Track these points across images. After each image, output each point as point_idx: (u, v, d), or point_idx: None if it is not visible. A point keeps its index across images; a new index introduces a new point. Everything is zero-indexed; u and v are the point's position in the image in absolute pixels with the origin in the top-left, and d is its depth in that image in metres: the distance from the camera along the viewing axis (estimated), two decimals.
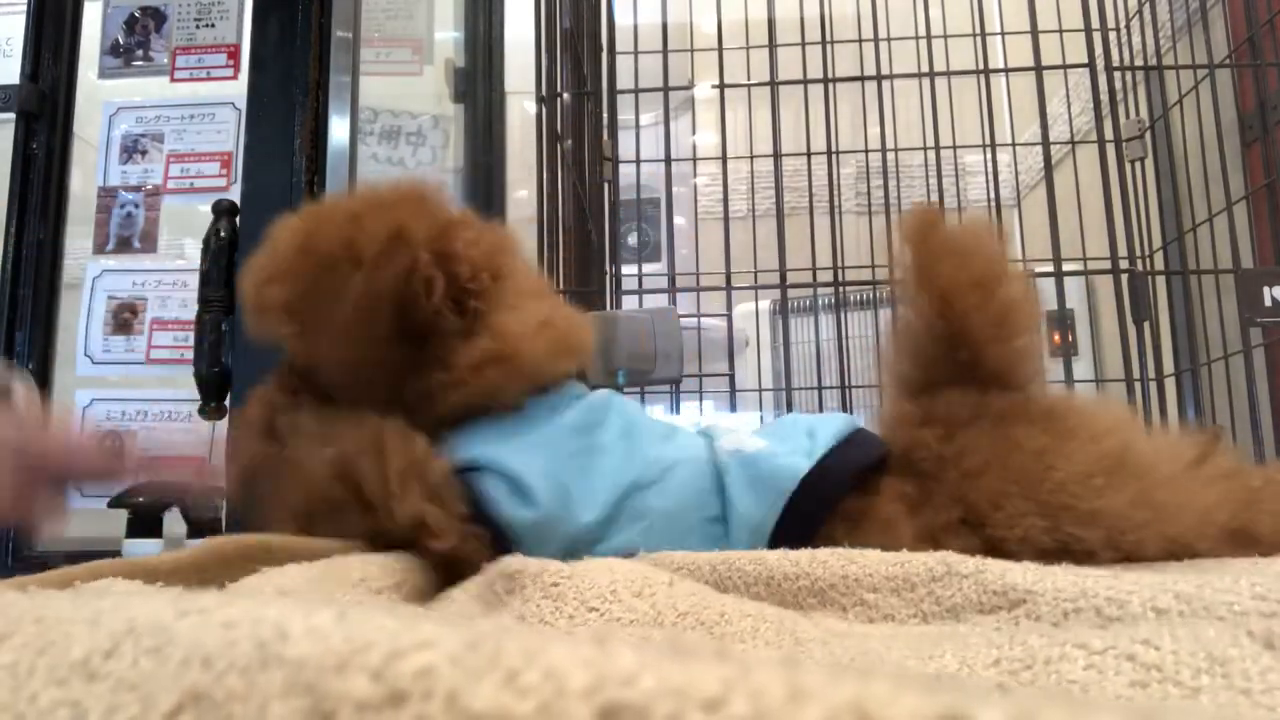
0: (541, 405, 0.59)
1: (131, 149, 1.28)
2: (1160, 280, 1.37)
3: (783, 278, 1.39)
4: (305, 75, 1.16)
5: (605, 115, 1.57)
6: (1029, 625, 0.36)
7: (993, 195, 1.46)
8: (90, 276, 1.27)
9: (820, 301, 1.68)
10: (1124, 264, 1.25)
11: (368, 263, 0.54)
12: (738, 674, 0.14)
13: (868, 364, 1.59)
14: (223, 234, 1.14)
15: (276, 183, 1.14)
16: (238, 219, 1.16)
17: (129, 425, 1.25)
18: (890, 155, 1.52)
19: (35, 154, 1.27)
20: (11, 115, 1.27)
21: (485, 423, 0.58)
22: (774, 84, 1.45)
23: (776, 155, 1.43)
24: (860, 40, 1.57)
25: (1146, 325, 1.21)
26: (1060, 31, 1.50)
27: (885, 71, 1.45)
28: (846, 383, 1.44)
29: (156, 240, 1.27)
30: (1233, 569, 0.46)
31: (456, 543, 0.52)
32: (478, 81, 1.71)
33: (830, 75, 1.46)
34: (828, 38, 1.51)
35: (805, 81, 1.52)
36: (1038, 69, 1.26)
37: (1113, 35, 1.31)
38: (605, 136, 1.52)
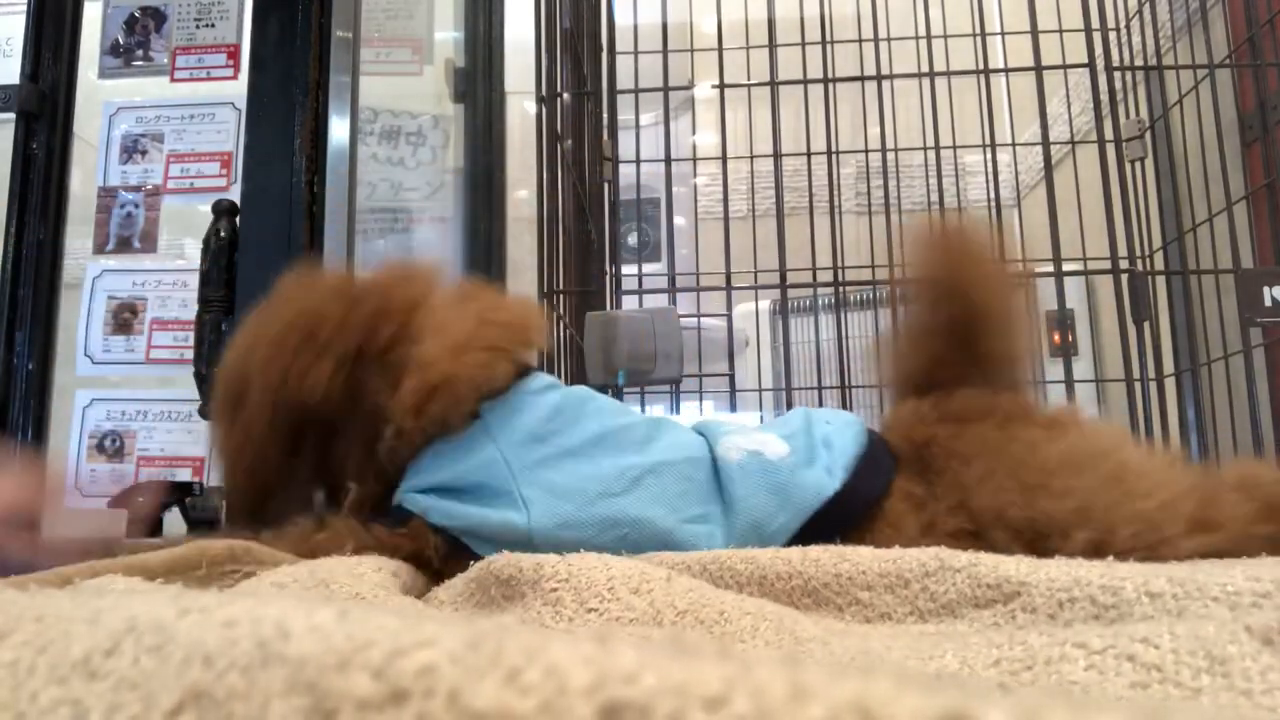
0: (497, 412, 0.58)
1: (131, 149, 1.28)
2: (1160, 280, 1.37)
3: (783, 278, 1.39)
4: (305, 75, 1.16)
5: (605, 115, 1.57)
6: (1026, 618, 0.36)
7: (993, 195, 1.46)
8: (90, 276, 1.27)
9: (820, 301, 1.68)
10: (1124, 264, 1.25)
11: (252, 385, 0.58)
12: (739, 672, 0.14)
13: (867, 364, 1.58)
14: (223, 234, 1.14)
15: (276, 183, 1.14)
16: (238, 219, 1.16)
17: (129, 425, 1.25)
18: (890, 155, 1.52)
19: (35, 154, 1.27)
20: (11, 115, 1.27)
21: (439, 447, 0.58)
22: (774, 84, 1.45)
23: (776, 155, 1.43)
24: (860, 40, 1.57)
25: (1146, 325, 1.21)
26: (1060, 31, 1.50)
27: (885, 71, 1.45)
28: (846, 383, 1.43)
29: (156, 240, 1.27)
30: (1224, 563, 0.46)
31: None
32: (478, 81, 1.71)
33: (830, 75, 1.46)
34: (828, 38, 1.51)
35: (805, 81, 1.52)
36: (1038, 69, 1.26)
37: (1113, 35, 1.31)
38: (605, 136, 1.52)
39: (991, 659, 0.31)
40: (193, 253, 1.21)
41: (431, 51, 1.61)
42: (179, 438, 1.24)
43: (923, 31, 1.47)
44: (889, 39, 1.49)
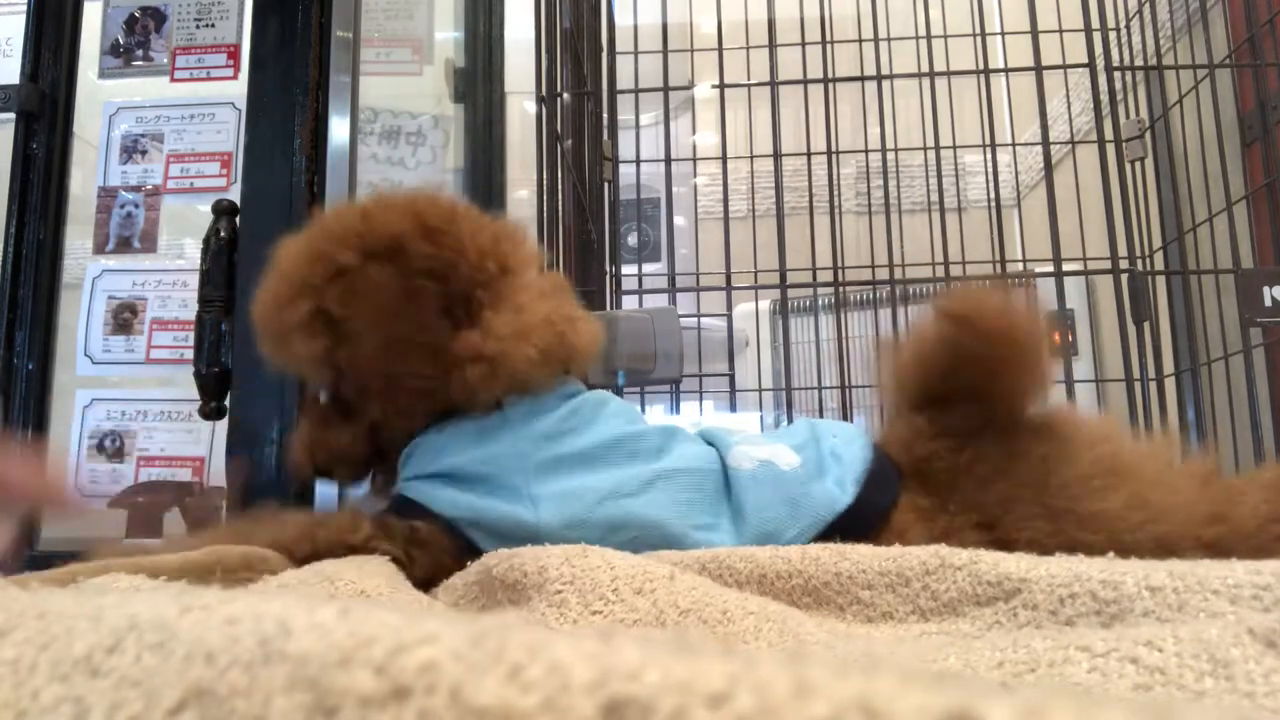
0: (520, 408, 0.59)
1: (131, 149, 1.28)
2: (1160, 280, 1.37)
3: (783, 278, 1.39)
4: (305, 75, 1.15)
5: (605, 115, 1.56)
6: (1028, 615, 0.36)
7: (993, 195, 1.46)
8: (90, 276, 1.27)
9: (820, 301, 1.68)
10: (1124, 264, 1.25)
11: (410, 248, 0.57)
12: (743, 669, 0.14)
13: (867, 364, 1.58)
14: (223, 234, 1.14)
15: (276, 183, 1.14)
16: (238, 219, 1.16)
17: (129, 425, 1.25)
18: (890, 155, 1.52)
19: (35, 154, 1.27)
20: (11, 115, 1.27)
21: (457, 425, 0.58)
22: (774, 84, 1.45)
23: (776, 155, 1.43)
24: (860, 40, 1.57)
25: (1146, 325, 1.21)
26: (1060, 31, 1.50)
27: (885, 71, 1.45)
28: (846, 383, 1.43)
29: (156, 240, 1.27)
30: (1225, 560, 0.46)
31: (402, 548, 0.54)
32: (478, 81, 1.71)
33: (830, 75, 1.46)
34: (828, 38, 1.51)
35: (805, 81, 1.52)
36: (1038, 69, 1.26)
37: (1113, 35, 1.31)
38: (605, 136, 1.52)
39: (995, 661, 0.31)
40: (193, 253, 1.21)
41: (431, 51, 1.61)
42: (179, 438, 1.24)
43: (923, 31, 1.47)
44: (889, 39, 1.49)
